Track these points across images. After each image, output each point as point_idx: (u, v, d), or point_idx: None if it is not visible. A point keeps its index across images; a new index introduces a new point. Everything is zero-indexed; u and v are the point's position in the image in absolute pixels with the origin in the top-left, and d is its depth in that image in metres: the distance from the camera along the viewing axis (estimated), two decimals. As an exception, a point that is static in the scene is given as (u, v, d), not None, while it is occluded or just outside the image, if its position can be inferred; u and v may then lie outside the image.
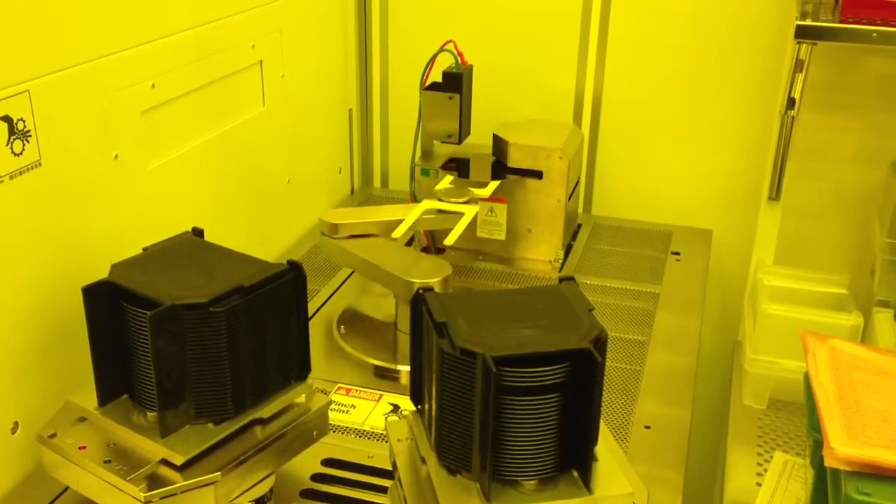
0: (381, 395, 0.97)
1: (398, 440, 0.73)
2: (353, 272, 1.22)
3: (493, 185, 1.17)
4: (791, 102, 1.14)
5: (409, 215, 1.07)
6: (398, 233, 1.05)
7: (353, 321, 1.10)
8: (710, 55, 1.34)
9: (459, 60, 1.22)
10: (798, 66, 1.12)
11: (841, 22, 1.07)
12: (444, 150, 1.29)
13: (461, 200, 1.11)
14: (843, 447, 0.71)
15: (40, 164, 0.80)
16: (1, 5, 0.75)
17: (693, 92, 1.37)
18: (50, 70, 0.81)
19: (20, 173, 0.78)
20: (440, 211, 1.10)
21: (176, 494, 0.70)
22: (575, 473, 0.65)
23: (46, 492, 0.82)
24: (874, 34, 1.05)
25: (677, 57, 1.36)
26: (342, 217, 1.09)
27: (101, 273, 0.74)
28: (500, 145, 1.24)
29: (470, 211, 1.09)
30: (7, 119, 0.76)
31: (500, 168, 1.23)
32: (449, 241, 1.03)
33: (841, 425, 0.74)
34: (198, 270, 0.75)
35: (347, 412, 0.94)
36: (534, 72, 1.42)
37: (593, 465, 0.65)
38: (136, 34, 0.92)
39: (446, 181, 1.17)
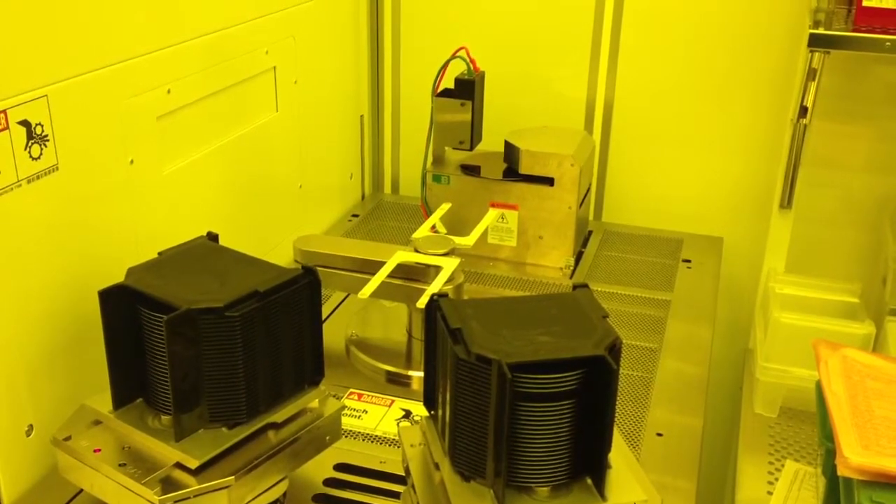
0: (392, 401, 0.97)
1: (411, 446, 0.73)
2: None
3: (478, 231, 1.08)
4: (803, 111, 1.14)
5: (380, 272, 0.96)
6: (365, 293, 0.94)
7: (365, 326, 1.11)
8: (722, 63, 1.34)
9: (471, 67, 1.23)
10: (811, 74, 1.12)
11: (854, 31, 1.07)
12: (455, 157, 1.30)
13: (440, 252, 1.00)
14: (856, 456, 0.70)
15: (57, 169, 0.81)
16: (19, 11, 0.75)
17: (704, 100, 1.37)
18: (68, 75, 0.81)
19: (38, 177, 0.79)
20: (417, 263, 0.99)
21: (190, 498, 0.70)
22: (588, 480, 0.65)
23: (61, 494, 0.82)
24: (887, 43, 1.05)
25: (689, 64, 1.36)
26: (316, 245, 1.04)
27: (117, 277, 0.74)
28: (511, 152, 1.24)
29: (450, 265, 0.98)
30: (25, 123, 0.76)
31: (511, 174, 1.24)
32: (420, 303, 0.89)
33: (854, 434, 0.74)
34: (213, 275, 0.76)
35: (360, 417, 0.94)
36: (545, 79, 1.42)
37: (607, 472, 0.65)
38: (152, 40, 0.92)
39: (425, 228, 1.06)
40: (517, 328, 0.65)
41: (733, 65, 1.34)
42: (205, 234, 0.83)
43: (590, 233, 1.39)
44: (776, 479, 0.94)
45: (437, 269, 0.98)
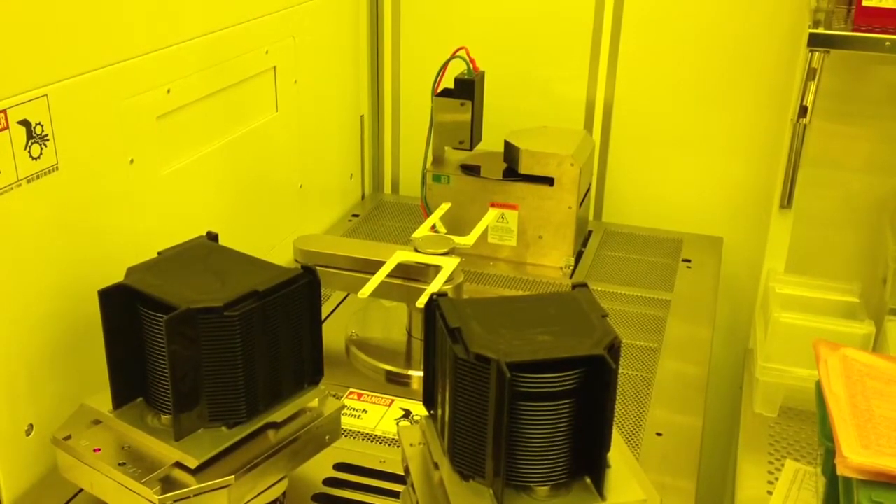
0: (392, 400, 0.97)
1: (410, 445, 0.73)
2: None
3: (478, 231, 1.08)
4: (803, 111, 1.14)
5: (379, 271, 0.96)
6: (365, 292, 0.95)
7: (365, 326, 1.11)
8: (722, 63, 1.34)
9: (471, 67, 1.23)
10: (810, 74, 1.12)
11: (854, 31, 1.07)
12: (455, 157, 1.30)
13: (440, 252, 0.99)
14: (855, 456, 0.71)
15: (57, 169, 0.81)
16: (19, 11, 0.75)
17: (704, 100, 1.37)
18: (68, 75, 0.81)
19: (38, 177, 0.79)
20: (417, 263, 0.99)
21: (190, 497, 0.70)
22: (588, 480, 0.65)
23: (61, 494, 0.82)
24: (887, 43, 1.05)
25: (689, 64, 1.36)
26: (316, 245, 1.04)
27: (117, 277, 0.74)
28: (511, 152, 1.24)
29: (449, 264, 0.97)
30: (25, 123, 0.77)
31: (511, 174, 1.24)
32: (420, 303, 0.89)
33: (853, 434, 0.74)
34: (212, 274, 0.76)
35: (359, 417, 0.94)
36: (545, 79, 1.43)
37: (606, 472, 0.65)
38: (151, 40, 0.92)
39: (425, 228, 1.06)
40: (516, 328, 0.65)
41: (733, 65, 1.34)
42: (204, 233, 0.83)
43: (590, 233, 1.39)
44: (776, 479, 0.94)
45: (437, 268, 0.98)
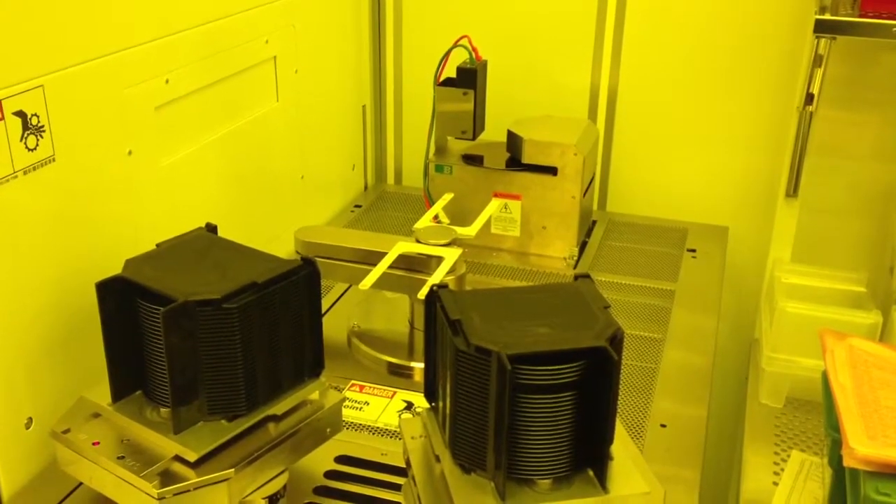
0: (394, 393, 0.97)
1: (412, 437, 0.73)
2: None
3: (481, 221, 1.08)
4: (809, 98, 1.13)
5: (381, 263, 0.96)
6: (366, 284, 0.94)
7: (367, 318, 1.10)
8: (727, 50, 1.33)
9: (474, 56, 1.22)
10: (817, 61, 1.11)
11: (860, 17, 1.06)
12: (458, 147, 1.29)
13: (442, 242, 0.99)
14: (862, 447, 0.70)
15: (54, 160, 0.80)
16: (15, 1, 0.75)
17: (709, 88, 1.36)
18: (64, 65, 0.80)
19: (34, 168, 0.78)
20: (418, 254, 0.98)
21: (189, 491, 0.70)
22: (590, 472, 0.65)
23: (60, 487, 0.82)
24: (894, 29, 1.04)
25: (693, 52, 1.35)
26: (318, 236, 1.04)
27: (115, 269, 0.74)
28: (514, 141, 1.24)
29: (451, 255, 0.97)
30: (21, 114, 0.76)
31: (514, 164, 1.23)
32: (421, 294, 0.88)
33: (860, 425, 0.73)
34: (211, 266, 0.75)
35: (361, 409, 0.94)
36: (549, 68, 1.41)
37: (609, 464, 0.64)
38: (150, 29, 0.92)
39: (427, 218, 1.06)
40: (517, 319, 0.65)
41: (739, 52, 1.33)
42: (203, 225, 0.83)
43: (594, 223, 1.38)
44: (782, 470, 0.93)
45: (439, 259, 0.97)
